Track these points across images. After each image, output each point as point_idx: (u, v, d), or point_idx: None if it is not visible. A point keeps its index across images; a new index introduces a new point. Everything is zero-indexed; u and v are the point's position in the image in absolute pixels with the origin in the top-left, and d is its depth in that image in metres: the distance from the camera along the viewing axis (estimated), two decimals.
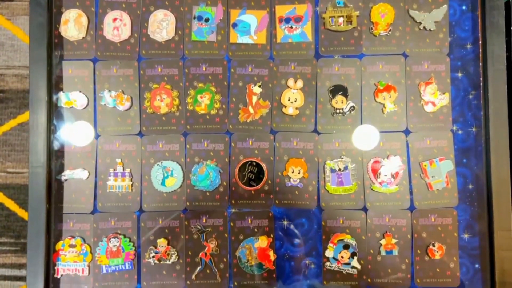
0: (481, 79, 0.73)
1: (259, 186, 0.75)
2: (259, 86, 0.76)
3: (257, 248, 0.74)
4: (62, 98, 0.74)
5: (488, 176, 0.71)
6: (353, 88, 0.75)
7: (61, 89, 0.75)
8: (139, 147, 0.75)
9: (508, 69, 0.72)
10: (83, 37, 0.76)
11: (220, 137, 0.75)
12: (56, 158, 0.74)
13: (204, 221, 0.75)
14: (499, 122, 0.71)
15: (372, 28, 0.75)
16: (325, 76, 0.76)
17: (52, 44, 0.74)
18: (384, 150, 0.75)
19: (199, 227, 0.74)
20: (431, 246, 0.73)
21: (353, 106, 0.75)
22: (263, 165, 0.75)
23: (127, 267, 0.74)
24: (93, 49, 0.76)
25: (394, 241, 0.73)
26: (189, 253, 0.74)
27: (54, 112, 0.74)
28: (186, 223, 0.74)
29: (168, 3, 0.76)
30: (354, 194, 0.74)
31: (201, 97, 0.76)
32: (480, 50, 0.73)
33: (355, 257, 0.73)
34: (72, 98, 0.75)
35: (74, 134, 0.75)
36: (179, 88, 0.76)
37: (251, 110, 0.75)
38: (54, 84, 0.74)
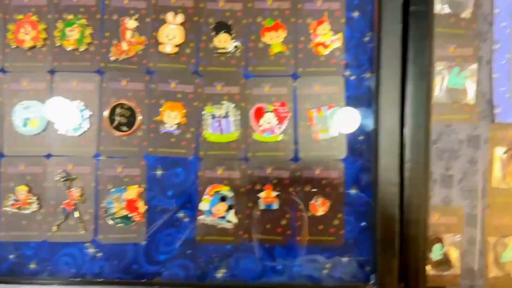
0: (375, 19, 0.66)
1: (130, 132, 0.68)
2: (135, 20, 0.68)
3: (125, 199, 0.67)
4: None
5: (376, 126, 0.65)
6: (239, 26, 0.68)
7: None
8: (1, 85, 0.68)
9: (406, 11, 0.65)
10: None
11: (90, 76, 0.68)
12: None
13: (69, 168, 0.68)
14: (391, 68, 0.64)
15: None
16: (208, 12, 0.68)
17: None
18: (269, 96, 0.68)
19: (63, 174, 0.67)
20: (314, 201, 0.67)
21: (236, 46, 0.68)
22: (136, 109, 0.68)
23: None
24: None
25: (274, 194, 0.67)
26: (52, 202, 0.68)
27: None
28: (49, 169, 0.68)
29: None
30: (235, 143, 0.68)
31: (70, 31, 0.68)
32: None
33: (232, 210, 0.67)
34: None
35: None
36: (47, 20, 0.68)
37: (124, 46, 0.68)
38: None
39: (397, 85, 0.64)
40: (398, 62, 0.64)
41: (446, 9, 0.67)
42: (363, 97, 0.68)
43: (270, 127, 0.67)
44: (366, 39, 0.68)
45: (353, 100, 0.68)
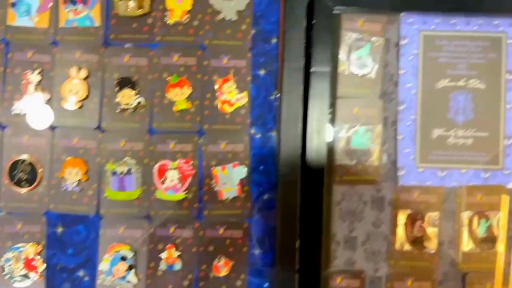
0: (279, 78, 0.66)
1: (31, 188, 0.66)
2: (39, 74, 0.67)
3: (24, 256, 0.66)
4: None
5: (279, 185, 0.64)
6: (144, 82, 0.67)
7: None
8: None
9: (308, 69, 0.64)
10: None
11: None
12: None
13: None
14: (292, 127, 0.64)
15: (166, 15, 0.67)
16: (113, 67, 0.67)
17: None
18: (174, 153, 0.67)
19: None
20: (216, 261, 0.66)
21: (140, 102, 0.67)
22: (37, 164, 0.66)
23: None
24: None
25: (176, 254, 0.66)
26: None
27: None
28: None
29: None
30: (137, 201, 0.67)
31: None
32: (280, 46, 0.66)
33: (132, 271, 0.66)
34: None
35: None
36: None
37: None
38: None
39: (298, 146, 0.64)
40: (299, 123, 0.64)
41: (351, 69, 0.66)
42: (268, 155, 0.67)
43: (173, 185, 0.66)
44: (272, 97, 0.67)
45: (258, 158, 0.67)
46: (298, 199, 0.63)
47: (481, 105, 0.66)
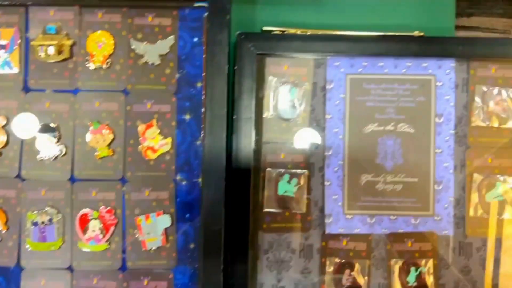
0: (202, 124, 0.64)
1: None
2: None
3: None
4: None
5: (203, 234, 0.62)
6: (65, 128, 0.65)
7: None
8: None
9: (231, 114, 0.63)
10: None
11: None
12: None
13: None
14: (215, 174, 0.62)
15: (87, 60, 0.65)
16: (34, 113, 0.65)
17: None
18: (96, 202, 0.65)
19: None
20: None
21: (60, 149, 0.64)
22: None
23: None
24: None
25: None
26: None
27: None
28: None
29: None
30: (59, 252, 0.64)
31: None
32: (204, 91, 0.64)
33: None
34: None
35: None
36: None
37: None
38: None
39: (221, 195, 0.62)
40: (222, 171, 0.62)
41: (276, 114, 0.64)
42: (194, 202, 0.65)
43: (95, 235, 0.64)
44: (198, 142, 0.65)
45: (184, 206, 0.65)
46: (222, 249, 0.61)
47: (410, 149, 0.64)
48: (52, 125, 0.65)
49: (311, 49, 0.63)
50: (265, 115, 0.64)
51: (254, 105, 0.63)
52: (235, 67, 0.62)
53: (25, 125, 0.65)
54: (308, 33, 0.64)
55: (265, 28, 0.65)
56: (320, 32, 0.65)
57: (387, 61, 0.64)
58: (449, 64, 0.64)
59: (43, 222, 0.64)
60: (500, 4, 0.75)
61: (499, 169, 0.64)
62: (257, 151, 0.63)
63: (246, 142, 0.62)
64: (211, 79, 0.62)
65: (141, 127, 0.65)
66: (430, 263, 0.64)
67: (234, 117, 0.62)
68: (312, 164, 0.65)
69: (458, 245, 0.64)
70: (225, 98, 0.62)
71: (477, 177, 0.64)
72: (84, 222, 0.64)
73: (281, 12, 0.69)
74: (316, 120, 0.65)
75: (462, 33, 0.73)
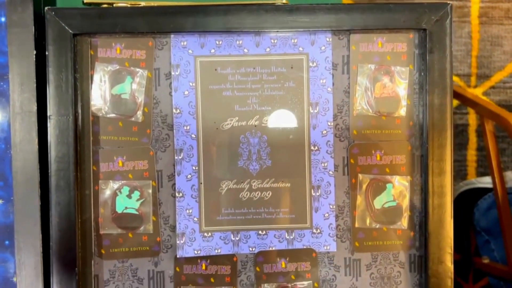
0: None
1: None
2: None
3: None
4: None
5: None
6: None
7: None
8: None
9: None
10: None
11: None
12: None
13: None
14: (27, 190, 0.49)
15: None
16: None
17: None
18: None
19: None
20: None
21: None
22: None
23: None
24: None
25: None
26: None
27: None
28: None
29: None
30: None
31: None
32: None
33: None
34: None
35: None
36: None
37: None
38: None
39: (36, 216, 0.49)
40: (35, 187, 0.49)
41: (109, 111, 0.51)
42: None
43: None
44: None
45: (2, 230, 0.52)
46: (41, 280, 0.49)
47: (280, 148, 0.52)
48: None
49: (148, 26, 0.49)
50: (94, 111, 0.51)
51: (74, 101, 0.49)
52: (47, 53, 0.48)
53: None
54: (141, 5, 0.51)
55: (87, 1, 0.51)
56: (158, 3, 0.51)
57: (246, 38, 0.51)
58: (325, 39, 0.51)
59: None
60: None
61: (390, 167, 0.52)
62: (85, 158, 0.50)
63: (65, 147, 0.49)
64: (16, 69, 0.49)
65: None
66: (309, 286, 0.52)
67: (49, 115, 0.48)
68: (159, 171, 0.52)
69: (343, 262, 0.52)
70: (35, 92, 0.49)
71: (364, 178, 0.52)
72: None
73: None
74: (161, 116, 0.51)
75: None
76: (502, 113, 0.68)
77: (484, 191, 0.82)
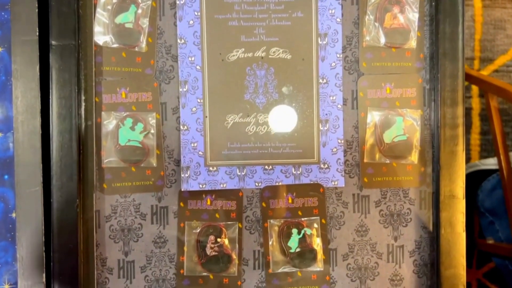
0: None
1: None
2: None
3: None
4: None
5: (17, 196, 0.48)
6: None
7: None
8: None
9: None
10: None
11: None
12: None
13: None
14: (30, 123, 0.48)
15: None
16: None
17: None
18: None
19: None
20: None
21: None
22: None
23: None
24: None
25: None
26: None
27: None
28: None
29: None
30: None
31: None
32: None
33: None
34: None
35: None
36: None
37: None
38: None
39: (37, 145, 0.47)
40: (37, 117, 0.47)
41: (114, 41, 0.50)
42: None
43: None
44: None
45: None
46: (41, 218, 0.47)
47: (287, 81, 0.50)
48: None
49: None
50: (97, 41, 0.49)
51: (77, 28, 0.48)
52: None
53: None
54: None
55: None
56: None
57: None
58: None
59: None
60: None
61: (400, 101, 0.51)
62: (86, 90, 0.49)
63: (67, 75, 0.47)
64: None
65: None
66: (317, 223, 0.51)
67: (51, 43, 0.47)
68: (163, 104, 0.50)
69: (351, 199, 0.51)
70: (36, 20, 0.47)
71: (373, 112, 0.51)
72: None
73: None
74: (166, 46, 0.50)
75: None
76: (507, 87, 0.66)
77: (488, 172, 0.80)
